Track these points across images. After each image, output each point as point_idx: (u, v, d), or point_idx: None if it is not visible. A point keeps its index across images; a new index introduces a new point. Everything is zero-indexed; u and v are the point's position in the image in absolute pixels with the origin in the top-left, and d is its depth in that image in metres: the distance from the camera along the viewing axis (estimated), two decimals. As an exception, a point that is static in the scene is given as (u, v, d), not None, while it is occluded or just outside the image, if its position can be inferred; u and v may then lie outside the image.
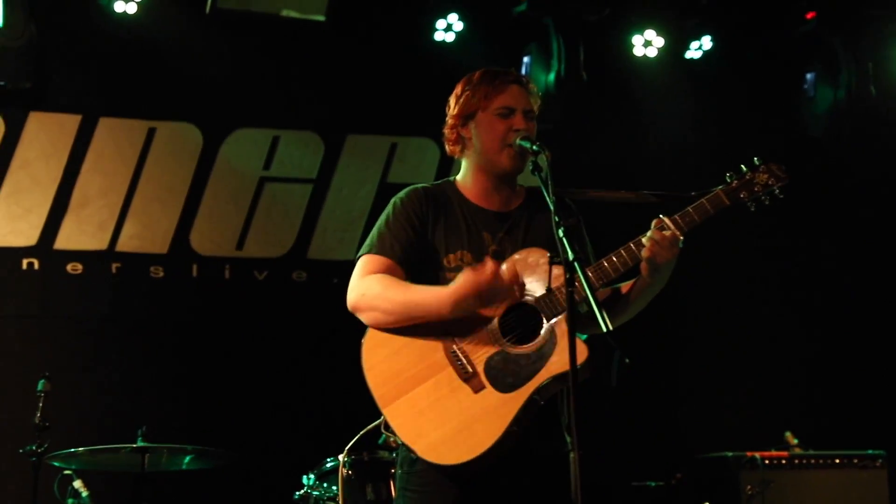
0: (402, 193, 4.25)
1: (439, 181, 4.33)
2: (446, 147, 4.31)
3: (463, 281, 3.90)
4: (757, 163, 4.10)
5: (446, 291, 3.93)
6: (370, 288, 4.05)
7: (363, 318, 4.08)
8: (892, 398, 9.30)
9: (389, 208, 4.22)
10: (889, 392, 9.35)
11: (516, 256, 4.04)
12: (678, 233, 3.99)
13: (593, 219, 4.43)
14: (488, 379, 3.90)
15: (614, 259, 4.00)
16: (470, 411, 3.86)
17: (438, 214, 4.18)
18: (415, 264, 4.12)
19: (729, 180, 4.08)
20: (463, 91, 4.23)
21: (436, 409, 3.89)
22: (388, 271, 4.08)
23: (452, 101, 4.28)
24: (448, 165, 8.60)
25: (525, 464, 3.93)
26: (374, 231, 4.19)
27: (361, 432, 5.44)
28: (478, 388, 3.90)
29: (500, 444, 3.82)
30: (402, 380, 3.96)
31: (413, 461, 3.98)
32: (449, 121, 4.27)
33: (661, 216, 4.02)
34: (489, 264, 3.88)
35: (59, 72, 8.41)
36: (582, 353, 3.79)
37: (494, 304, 3.94)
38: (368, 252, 4.14)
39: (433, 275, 4.10)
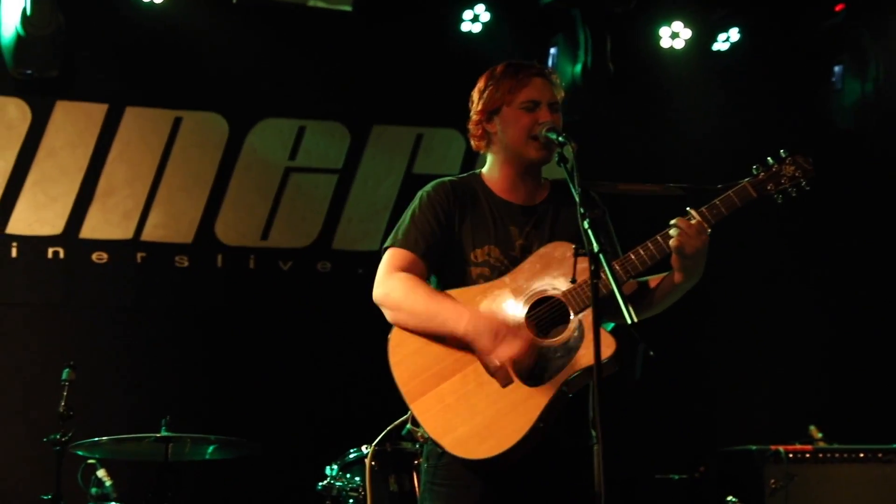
0: (428, 187, 4.23)
1: (465, 174, 4.31)
2: (471, 142, 4.29)
3: (485, 316, 3.90)
4: (784, 155, 4.07)
5: (466, 315, 3.91)
6: (395, 289, 4.04)
7: (386, 314, 4.07)
8: (918, 392, 9.27)
9: (416, 202, 4.20)
10: (914, 386, 9.31)
11: (543, 251, 4.03)
12: (705, 223, 3.97)
13: (620, 212, 4.42)
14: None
15: (641, 252, 3.98)
16: (498, 405, 3.84)
17: (465, 209, 4.16)
18: (441, 259, 4.12)
19: (756, 172, 4.05)
20: (486, 86, 4.20)
21: (463, 403, 3.87)
22: (411, 265, 4.08)
23: (476, 95, 4.25)
24: (474, 157, 8.59)
25: (551, 458, 3.92)
26: (400, 224, 4.18)
27: (390, 426, 5.42)
28: (505, 382, 3.87)
29: (527, 439, 3.80)
30: (429, 375, 3.94)
31: (440, 455, 3.97)
32: (473, 116, 4.24)
33: (688, 208, 3.99)
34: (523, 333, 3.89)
35: (86, 61, 8.42)
36: (609, 346, 3.77)
37: (504, 349, 3.87)
38: (393, 245, 4.14)
39: (460, 269, 4.09)
